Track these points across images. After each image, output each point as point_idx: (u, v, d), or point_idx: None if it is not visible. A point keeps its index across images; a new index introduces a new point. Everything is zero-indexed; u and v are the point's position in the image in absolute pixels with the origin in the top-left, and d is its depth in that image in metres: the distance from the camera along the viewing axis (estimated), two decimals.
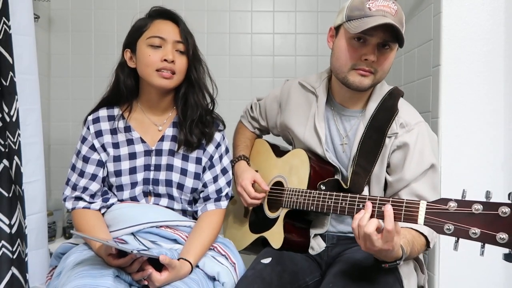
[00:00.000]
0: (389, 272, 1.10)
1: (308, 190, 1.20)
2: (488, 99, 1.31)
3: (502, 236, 0.75)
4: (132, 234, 1.21)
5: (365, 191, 1.20)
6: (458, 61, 1.31)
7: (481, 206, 0.79)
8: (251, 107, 1.56)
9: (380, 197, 0.98)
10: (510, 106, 1.31)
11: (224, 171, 1.34)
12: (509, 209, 0.75)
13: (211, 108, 1.35)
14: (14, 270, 1.21)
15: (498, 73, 1.31)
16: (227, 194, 1.34)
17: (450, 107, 1.31)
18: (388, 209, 0.91)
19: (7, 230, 1.21)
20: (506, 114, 1.31)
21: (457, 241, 0.82)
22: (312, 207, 1.16)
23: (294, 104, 1.38)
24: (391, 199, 0.95)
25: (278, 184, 1.36)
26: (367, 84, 1.16)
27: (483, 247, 0.78)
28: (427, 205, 0.87)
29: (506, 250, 0.76)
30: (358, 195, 1.04)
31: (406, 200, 0.92)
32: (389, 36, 1.11)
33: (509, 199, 0.76)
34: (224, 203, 1.33)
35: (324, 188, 1.17)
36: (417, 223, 0.88)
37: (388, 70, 1.18)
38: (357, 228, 0.94)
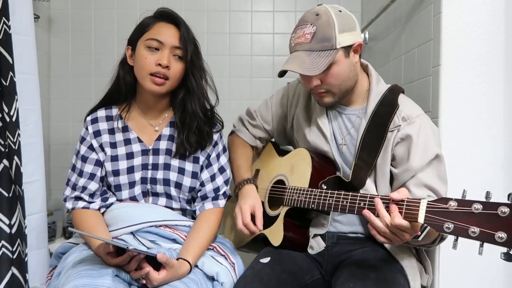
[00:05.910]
0: (398, 271, 1.12)
1: (310, 189, 1.20)
2: (488, 99, 1.31)
3: (501, 235, 0.76)
4: (132, 233, 1.21)
5: (372, 186, 1.21)
6: (458, 61, 1.31)
7: (481, 206, 0.80)
8: (251, 116, 1.47)
9: (381, 195, 0.98)
10: (510, 106, 1.31)
11: (221, 169, 1.34)
12: (508, 209, 0.76)
13: (209, 117, 1.33)
14: (14, 270, 1.21)
15: (498, 73, 1.31)
16: (224, 192, 1.34)
17: (450, 107, 1.31)
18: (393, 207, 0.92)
19: (7, 230, 1.21)
20: (506, 114, 1.31)
21: (456, 240, 0.83)
22: (313, 205, 1.17)
23: (301, 104, 1.38)
24: (392, 198, 0.94)
25: (280, 182, 1.36)
26: (328, 101, 1.22)
27: (481, 246, 0.79)
28: (427, 203, 0.88)
29: (504, 249, 0.77)
30: (359, 194, 1.05)
31: (407, 199, 0.92)
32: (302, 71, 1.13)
33: (508, 199, 0.77)
34: (222, 202, 1.33)
35: (325, 187, 1.18)
36: (417, 222, 0.89)
37: (342, 78, 1.18)
38: (386, 226, 0.92)
